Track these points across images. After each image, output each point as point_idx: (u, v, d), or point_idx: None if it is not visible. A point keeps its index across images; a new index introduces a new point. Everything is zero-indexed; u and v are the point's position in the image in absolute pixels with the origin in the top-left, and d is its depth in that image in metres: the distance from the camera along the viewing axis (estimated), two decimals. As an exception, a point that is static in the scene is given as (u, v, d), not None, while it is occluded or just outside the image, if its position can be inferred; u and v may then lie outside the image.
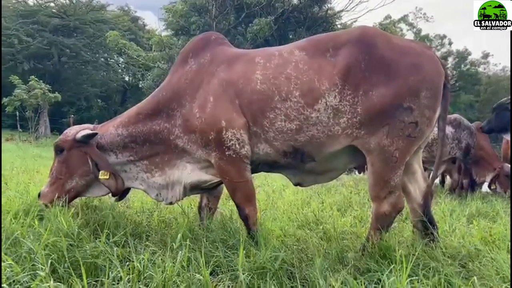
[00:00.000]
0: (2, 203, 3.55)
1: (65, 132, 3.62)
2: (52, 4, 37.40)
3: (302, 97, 2.87)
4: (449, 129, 7.24)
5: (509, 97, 7.21)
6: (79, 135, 3.43)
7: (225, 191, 5.64)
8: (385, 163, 2.80)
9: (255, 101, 2.97)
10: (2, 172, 6.51)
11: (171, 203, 3.48)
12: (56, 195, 3.42)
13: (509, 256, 2.64)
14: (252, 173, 3.33)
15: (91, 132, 3.45)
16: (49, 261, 2.14)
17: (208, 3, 25.05)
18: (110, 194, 3.56)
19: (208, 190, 3.57)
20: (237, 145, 3.02)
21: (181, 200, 3.49)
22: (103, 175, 3.35)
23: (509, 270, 2.43)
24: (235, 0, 24.74)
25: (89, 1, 38.16)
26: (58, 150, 3.54)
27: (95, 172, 3.39)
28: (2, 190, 4.61)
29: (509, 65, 40.74)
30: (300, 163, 3.10)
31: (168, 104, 3.32)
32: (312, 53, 2.98)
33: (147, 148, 3.41)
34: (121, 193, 3.60)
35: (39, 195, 3.51)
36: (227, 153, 3.04)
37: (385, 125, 2.75)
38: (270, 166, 3.22)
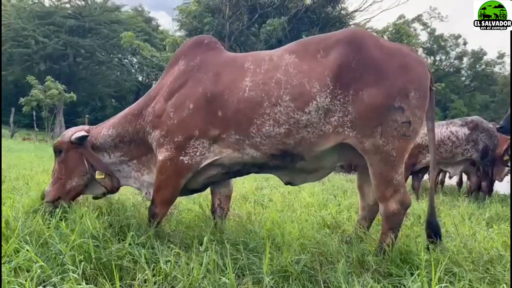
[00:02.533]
0: (26, 203, 3.63)
1: (63, 134, 3.75)
2: (68, 6, 38.00)
3: (292, 101, 2.86)
4: (463, 131, 7.26)
5: None
6: (73, 137, 3.56)
7: (239, 191, 5.72)
8: (384, 163, 2.83)
9: (242, 109, 2.95)
10: (23, 172, 6.64)
11: None
12: (58, 194, 3.54)
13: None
14: (242, 174, 3.39)
15: (82, 134, 3.56)
16: (82, 263, 2.18)
17: (222, 3, 25.13)
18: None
19: (194, 192, 3.58)
20: (196, 154, 3.07)
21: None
22: (99, 175, 3.50)
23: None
24: (248, 0, 24.76)
25: (104, 2, 38.62)
26: (57, 151, 3.65)
27: (91, 172, 3.52)
28: (24, 190, 4.71)
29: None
30: (289, 163, 3.10)
31: (150, 103, 3.39)
32: (303, 55, 2.98)
33: (134, 147, 3.52)
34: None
35: (42, 195, 3.59)
36: (181, 157, 3.08)
37: (378, 125, 2.78)
38: (259, 167, 3.22)
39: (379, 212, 3.15)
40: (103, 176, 3.50)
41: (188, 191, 3.44)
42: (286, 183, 3.36)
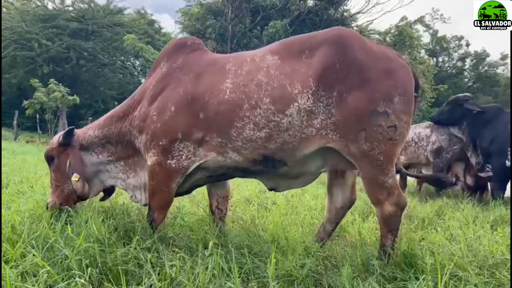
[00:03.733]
0: (30, 206, 3.65)
1: (50, 142, 3.78)
2: (70, 8, 38.09)
3: (273, 103, 2.82)
4: (425, 132, 7.90)
5: (466, 94, 7.81)
6: (60, 139, 3.61)
7: (242, 195, 5.72)
8: (372, 167, 2.79)
9: (222, 112, 2.93)
10: (27, 175, 6.66)
11: (146, 205, 3.54)
12: (60, 201, 3.55)
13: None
14: (226, 178, 3.40)
15: (68, 130, 3.60)
16: (88, 269, 2.19)
17: (224, 6, 25.17)
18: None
19: (179, 195, 3.57)
20: (183, 157, 3.07)
21: None
22: (74, 177, 3.54)
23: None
24: (251, 3, 24.80)
25: (106, 5, 38.72)
26: (50, 159, 3.67)
27: (69, 172, 3.55)
28: (29, 193, 4.73)
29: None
30: (272, 169, 3.08)
31: (136, 107, 3.42)
32: (285, 56, 2.94)
33: (120, 149, 3.57)
34: (107, 193, 3.90)
35: (47, 207, 3.57)
36: (168, 161, 3.09)
37: (361, 130, 2.73)
38: (242, 171, 3.21)
39: (376, 216, 3.14)
40: (77, 179, 3.53)
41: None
42: (270, 189, 3.33)
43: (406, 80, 2.86)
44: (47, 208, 3.55)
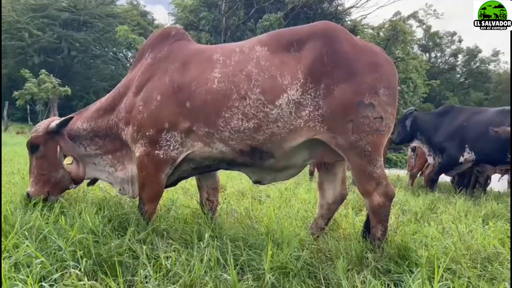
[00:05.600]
0: (23, 198, 3.60)
1: (34, 129, 3.65)
2: (62, -2, 37.60)
3: (263, 93, 2.84)
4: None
5: (410, 108, 8.45)
6: (53, 125, 3.50)
7: (236, 187, 5.72)
8: (360, 158, 2.82)
9: (210, 101, 2.93)
10: (18, 166, 6.60)
11: (134, 197, 3.54)
12: (46, 190, 3.47)
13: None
14: (210, 170, 3.38)
15: (64, 118, 3.53)
16: (83, 260, 2.17)
17: (218, -2, 25.02)
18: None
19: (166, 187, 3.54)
20: (170, 147, 3.06)
21: None
22: (68, 161, 3.50)
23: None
24: (245, -5, 24.67)
25: (99, -4, 38.29)
26: (34, 147, 3.56)
27: (61, 157, 3.50)
28: (21, 185, 4.67)
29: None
30: (258, 160, 3.08)
31: (121, 99, 3.38)
32: (275, 48, 2.96)
33: (108, 142, 3.54)
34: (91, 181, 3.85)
35: (28, 196, 3.44)
36: (156, 151, 3.07)
37: (349, 121, 2.77)
38: (227, 163, 3.21)
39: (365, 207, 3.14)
40: (71, 162, 3.49)
41: None
42: (255, 182, 3.33)
43: (391, 74, 2.91)
44: (27, 197, 3.44)
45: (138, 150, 3.15)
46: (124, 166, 3.52)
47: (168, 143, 3.05)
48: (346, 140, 2.79)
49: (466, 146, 7.19)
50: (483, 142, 6.99)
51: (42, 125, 3.61)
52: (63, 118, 3.55)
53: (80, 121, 3.61)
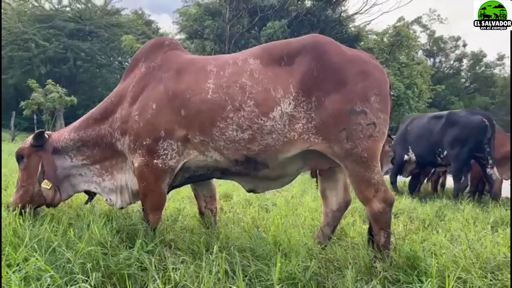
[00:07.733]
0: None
1: (24, 141, 3.72)
2: (68, 9, 38.04)
3: (257, 106, 2.87)
4: None
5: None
6: (31, 138, 3.56)
7: (242, 196, 5.70)
8: (357, 164, 2.82)
9: (204, 110, 2.95)
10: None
11: (122, 208, 3.54)
12: (22, 202, 3.49)
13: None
14: (204, 179, 3.39)
15: (37, 132, 3.55)
16: (93, 273, 2.18)
17: (222, 6, 25.17)
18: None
19: None
20: (168, 156, 3.07)
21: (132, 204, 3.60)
22: (45, 184, 3.45)
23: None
24: (248, 3, 24.80)
25: (104, 6, 38.66)
26: (19, 158, 3.62)
27: (40, 179, 3.48)
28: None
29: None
30: (252, 170, 3.10)
31: (115, 109, 3.39)
32: (267, 61, 3.00)
33: (97, 152, 3.52)
34: (89, 197, 3.85)
35: (7, 206, 3.51)
36: (155, 161, 3.08)
37: (342, 130, 2.78)
38: (221, 172, 3.22)
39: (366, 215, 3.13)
40: (49, 187, 3.46)
41: None
42: (249, 191, 3.34)
43: (381, 80, 2.93)
44: (8, 207, 3.48)
45: (136, 160, 3.16)
46: (113, 176, 3.51)
47: (166, 151, 3.06)
48: (342, 149, 2.81)
49: (409, 147, 8.34)
50: (419, 145, 8.09)
51: (30, 138, 3.66)
52: (37, 132, 3.57)
53: (67, 132, 3.62)
